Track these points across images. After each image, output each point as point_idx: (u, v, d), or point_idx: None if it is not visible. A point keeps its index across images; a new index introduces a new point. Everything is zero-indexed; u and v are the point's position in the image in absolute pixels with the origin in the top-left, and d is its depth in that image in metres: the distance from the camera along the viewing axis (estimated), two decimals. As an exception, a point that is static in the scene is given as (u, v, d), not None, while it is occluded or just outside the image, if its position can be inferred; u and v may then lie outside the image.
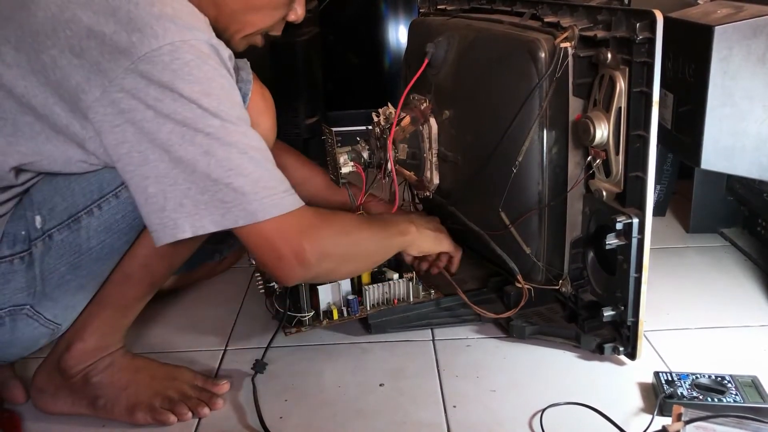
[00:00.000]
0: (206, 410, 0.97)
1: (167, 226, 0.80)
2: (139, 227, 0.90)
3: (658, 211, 1.60)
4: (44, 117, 0.80)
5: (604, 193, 0.99)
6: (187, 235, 0.80)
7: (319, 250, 0.87)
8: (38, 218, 0.85)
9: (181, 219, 0.79)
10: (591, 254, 1.05)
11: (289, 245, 0.85)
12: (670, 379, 0.96)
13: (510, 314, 1.11)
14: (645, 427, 0.89)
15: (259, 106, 0.91)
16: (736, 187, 1.45)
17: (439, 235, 1.17)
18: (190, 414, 0.96)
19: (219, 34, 0.86)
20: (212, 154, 0.79)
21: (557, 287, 1.09)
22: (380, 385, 1.03)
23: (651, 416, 0.92)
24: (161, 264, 0.95)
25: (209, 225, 0.81)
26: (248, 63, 0.92)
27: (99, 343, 0.95)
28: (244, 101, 0.88)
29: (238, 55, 0.90)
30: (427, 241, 1.13)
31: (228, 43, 0.87)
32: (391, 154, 1.19)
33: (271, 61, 1.61)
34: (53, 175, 0.86)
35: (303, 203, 0.87)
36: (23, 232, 0.85)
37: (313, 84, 1.69)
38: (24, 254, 0.85)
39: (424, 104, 1.23)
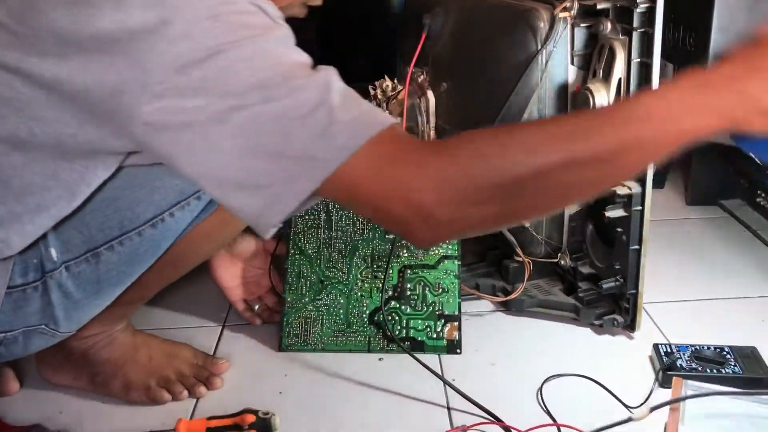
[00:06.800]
0: (203, 389, 0.96)
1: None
2: (160, 254, 0.86)
3: (657, 183, 1.59)
4: None
5: (604, 165, 0.98)
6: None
7: (451, 190, 0.58)
8: (53, 250, 0.79)
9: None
10: (590, 227, 1.05)
11: (396, 199, 0.58)
12: (669, 350, 0.96)
13: (515, 295, 1.10)
14: (644, 399, 0.90)
15: None
16: (735, 158, 1.44)
17: None
18: (186, 393, 0.96)
19: None
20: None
21: (556, 260, 1.09)
22: (379, 359, 1.03)
23: (650, 388, 0.92)
24: (173, 271, 0.93)
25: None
26: None
27: (101, 328, 0.95)
28: None
29: None
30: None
31: None
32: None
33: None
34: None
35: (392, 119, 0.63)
36: (35, 261, 0.79)
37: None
38: (37, 284, 0.80)
39: (421, 77, 1.22)
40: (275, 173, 0.62)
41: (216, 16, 0.64)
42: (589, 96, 0.95)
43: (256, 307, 1.12)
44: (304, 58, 0.67)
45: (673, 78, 0.57)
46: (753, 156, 0.60)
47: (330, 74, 0.65)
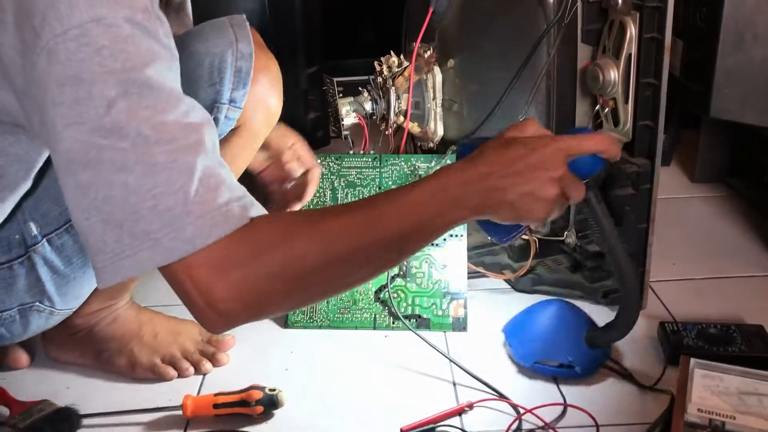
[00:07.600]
0: (208, 366, 0.97)
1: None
2: None
3: (664, 161, 1.58)
4: None
5: (612, 143, 0.98)
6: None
7: (238, 288, 0.60)
8: (32, 224, 0.78)
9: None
10: (597, 205, 1.04)
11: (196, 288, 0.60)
12: (675, 329, 0.96)
13: (521, 273, 1.10)
14: (653, 378, 0.90)
15: (264, 84, 0.86)
16: (743, 135, 1.43)
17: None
18: (192, 369, 0.96)
19: None
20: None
21: (562, 238, 1.08)
22: (385, 336, 1.03)
23: (659, 366, 0.92)
24: None
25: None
26: (247, 24, 0.84)
27: (103, 304, 0.95)
28: (245, 81, 0.83)
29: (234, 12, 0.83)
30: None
31: None
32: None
33: (269, 9, 1.57)
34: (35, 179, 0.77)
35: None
36: (17, 237, 0.79)
37: (312, 32, 1.65)
38: (22, 259, 0.79)
39: (428, 52, 1.20)
40: (112, 242, 0.60)
41: (85, 35, 0.57)
42: (599, 72, 0.94)
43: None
44: (178, 111, 0.60)
45: (441, 170, 0.67)
46: (489, 237, 0.77)
47: (199, 152, 0.60)
